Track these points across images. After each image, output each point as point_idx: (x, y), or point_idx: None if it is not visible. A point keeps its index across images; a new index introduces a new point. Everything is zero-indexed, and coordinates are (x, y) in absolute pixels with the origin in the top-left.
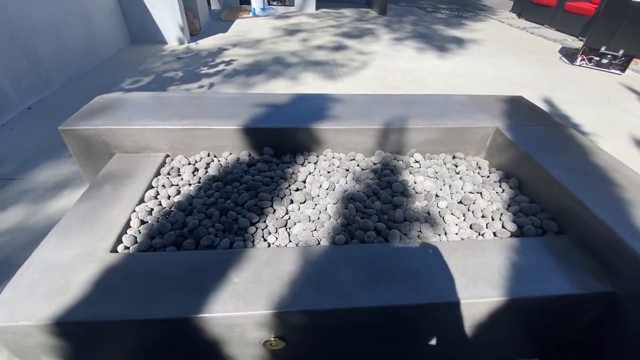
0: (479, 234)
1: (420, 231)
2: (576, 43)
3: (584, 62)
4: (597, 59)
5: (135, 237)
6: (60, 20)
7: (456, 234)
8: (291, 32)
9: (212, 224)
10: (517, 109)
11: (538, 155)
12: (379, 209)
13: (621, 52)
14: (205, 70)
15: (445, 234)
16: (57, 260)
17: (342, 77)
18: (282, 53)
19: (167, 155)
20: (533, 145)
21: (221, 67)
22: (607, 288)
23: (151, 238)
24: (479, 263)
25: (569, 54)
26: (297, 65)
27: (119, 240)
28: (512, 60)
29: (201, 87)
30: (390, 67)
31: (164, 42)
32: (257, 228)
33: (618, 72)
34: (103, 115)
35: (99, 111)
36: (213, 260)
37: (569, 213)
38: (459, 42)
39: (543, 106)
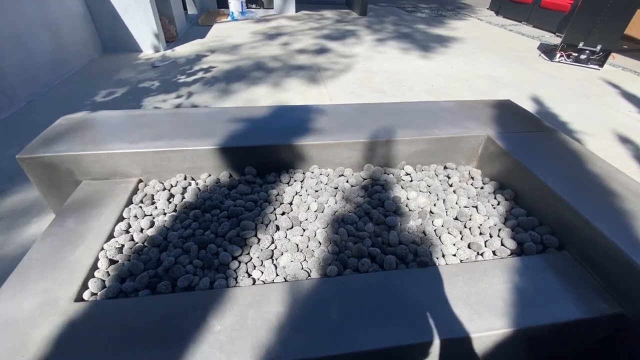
0: (478, 254)
1: (416, 255)
2: (554, 39)
3: (563, 58)
4: (576, 54)
5: (104, 281)
6: (25, 31)
7: (454, 255)
8: (271, 35)
9: (190, 260)
10: (507, 115)
11: (532, 165)
12: (372, 231)
13: (599, 47)
14: (183, 78)
15: (443, 255)
16: (15, 314)
17: (325, 81)
18: (263, 58)
19: (140, 181)
20: (526, 154)
21: (200, 74)
22: (615, 310)
23: (121, 281)
24: (481, 289)
25: (548, 51)
26: (279, 70)
27: (84, 286)
28: (493, 58)
29: (179, 97)
30: (373, 69)
31: (139, 50)
32: (240, 262)
33: (596, 67)
34: (67, 139)
35: (62, 134)
36: (192, 305)
37: (569, 227)
38: (441, 40)
39: (526, 104)
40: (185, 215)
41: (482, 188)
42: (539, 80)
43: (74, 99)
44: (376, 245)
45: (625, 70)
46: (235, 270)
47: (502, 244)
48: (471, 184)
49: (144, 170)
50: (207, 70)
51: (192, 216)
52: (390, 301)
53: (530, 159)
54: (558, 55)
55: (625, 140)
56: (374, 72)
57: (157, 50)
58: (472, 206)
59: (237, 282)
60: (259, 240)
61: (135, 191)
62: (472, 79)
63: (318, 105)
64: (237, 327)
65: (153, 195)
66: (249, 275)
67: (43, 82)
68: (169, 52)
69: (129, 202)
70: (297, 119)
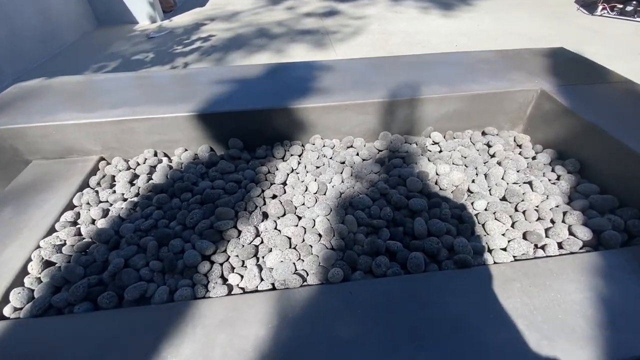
0: (537, 247)
1: (452, 250)
2: None
3: (606, 11)
4: (621, 6)
5: (32, 291)
6: (8, 5)
7: (504, 249)
8: (275, 0)
9: (147, 261)
10: (563, 64)
11: (609, 125)
12: (391, 218)
13: None
14: (179, 49)
15: (490, 251)
16: None
17: (334, 45)
18: (266, 24)
19: (102, 159)
20: (596, 111)
21: (197, 44)
22: None
23: (54, 291)
24: (550, 301)
25: (588, 4)
26: (283, 36)
27: (5, 299)
28: (524, 15)
29: (174, 68)
30: (389, 30)
31: (134, 22)
32: (213, 263)
33: None
34: (13, 109)
35: (9, 105)
36: (141, 326)
37: None
38: None
39: None
40: (147, 201)
41: (534, 158)
42: (579, 36)
43: (63, 74)
44: (397, 237)
45: None
46: (205, 275)
47: (571, 233)
48: (519, 154)
49: (104, 146)
50: (205, 39)
51: (156, 202)
52: (418, 318)
53: (602, 117)
54: (600, 7)
55: None
56: (390, 33)
57: (153, 20)
58: (524, 182)
59: (207, 291)
60: (239, 232)
61: (94, 172)
62: (502, 37)
63: (321, 61)
64: None
65: (114, 177)
66: (225, 280)
67: (31, 58)
68: (166, 23)
69: (84, 185)
70: (295, 78)
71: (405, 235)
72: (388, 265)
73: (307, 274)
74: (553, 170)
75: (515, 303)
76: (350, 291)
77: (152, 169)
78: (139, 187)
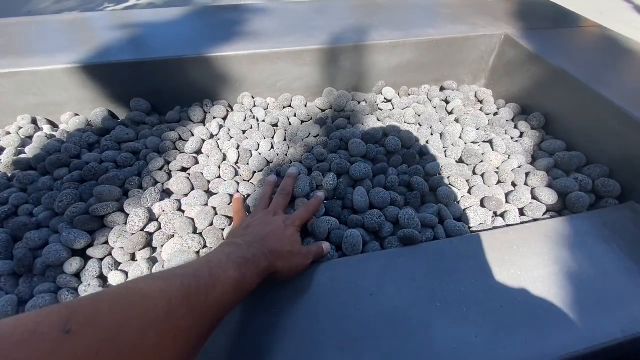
0: (497, 215)
1: (397, 224)
2: None
3: None
4: None
5: None
6: None
7: (459, 219)
8: None
9: None
10: (531, 9)
11: (580, 71)
12: (334, 187)
13: None
14: (111, 6)
15: (442, 222)
16: None
17: None
18: None
19: None
20: (567, 57)
21: (133, 1)
22: None
23: None
24: (509, 279)
25: None
26: None
27: None
28: None
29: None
30: None
31: None
32: (88, 259)
33: None
34: None
35: None
36: None
37: (639, 161)
38: None
39: None
40: (5, 181)
41: (495, 114)
42: None
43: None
44: (334, 213)
45: None
46: (76, 275)
47: (535, 197)
48: (480, 109)
49: None
50: None
51: (18, 182)
52: (349, 316)
53: (573, 63)
54: None
55: None
56: None
57: None
58: (484, 141)
59: (78, 296)
60: (126, 217)
61: None
62: None
63: (255, 4)
64: None
65: None
66: (104, 281)
67: None
68: None
69: None
70: (220, 23)
71: (345, 210)
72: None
73: None
74: (516, 127)
75: (468, 286)
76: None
77: (29, 140)
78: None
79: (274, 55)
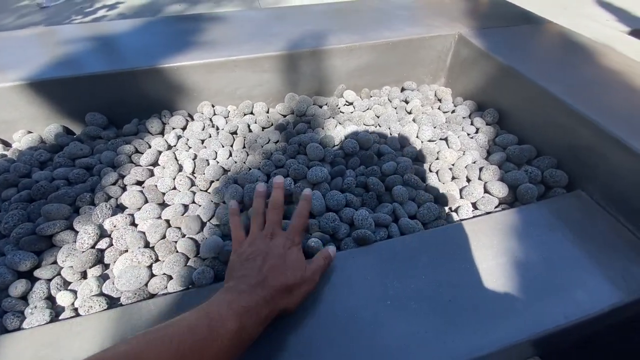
0: (451, 210)
1: (353, 225)
2: None
3: None
4: None
5: None
6: None
7: (414, 217)
8: None
9: None
10: (483, 8)
11: (526, 67)
12: (290, 192)
13: None
14: (78, 19)
15: (397, 220)
16: None
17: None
18: None
19: None
20: (514, 54)
21: (101, 12)
22: None
23: None
24: (458, 273)
25: None
26: (207, 1)
27: None
28: None
29: None
30: None
31: None
32: (33, 282)
33: None
34: None
35: None
36: None
37: (585, 152)
38: None
39: None
40: None
41: (453, 112)
42: None
43: None
44: (290, 217)
45: None
46: (22, 298)
47: (487, 191)
48: (438, 108)
49: None
50: (112, 7)
51: None
52: (306, 316)
53: (521, 60)
54: None
55: None
56: None
57: None
58: (441, 138)
59: (21, 324)
60: (75, 234)
61: None
62: None
63: (213, 13)
64: None
65: None
66: (52, 302)
67: None
68: None
69: None
70: (177, 33)
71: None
72: None
73: (168, 279)
74: (472, 124)
75: (418, 283)
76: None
77: None
78: None
79: (231, 63)
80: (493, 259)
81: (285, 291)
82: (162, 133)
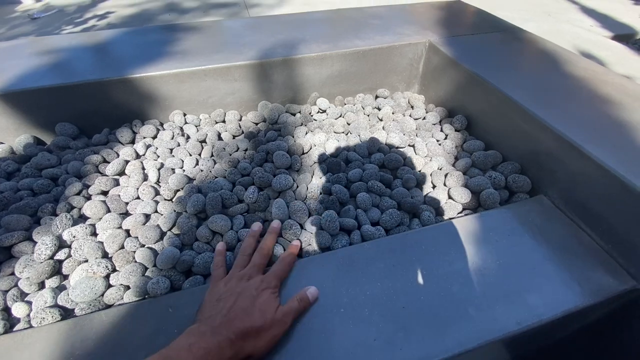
0: (414, 216)
1: (303, 229)
2: None
3: None
4: None
5: None
6: None
7: (377, 223)
8: None
9: None
10: (456, 16)
11: (490, 74)
12: (254, 200)
13: None
14: (68, 29)
15: (359, 227)
16: None
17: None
18: None
19: None
20: (482, 61)
21: (91, 22)
22: (626, 285)
23: None
24: (413, 280)
25: None
26: (196, 10)
27: None
28: None
29: None
30: (312, 1)
31: (16, 2)
32: None
33: None
34: None
35: None
36: None
37: (547, 158)
38: None
39: None
40: None
41: (423, 119)
42: (497, 1)
43: None
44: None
45: None
46: None
47: (450, 197)
48: (410, 115)
49: None
50: (102, 17)
51: None
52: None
53: (487, 67)
54: None
55: (590, 56)
56: (314, 4)
57: None
58: (409, 145)
59: None
60: (34, 245)
61: None
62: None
63: (188, 23)
64: None
65: None
66: (9, 314)
67: None
68: (55, 1)
69: None
70: (149, 44)
71: (266, 222)
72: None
73: (125, 290)
74: (442, 130)
75: (373, 289)
76: (170, 306)
77: None
78: None
79: (201, 73)
80: (450, 265)
81: (252, 334)
82: (132, 142)
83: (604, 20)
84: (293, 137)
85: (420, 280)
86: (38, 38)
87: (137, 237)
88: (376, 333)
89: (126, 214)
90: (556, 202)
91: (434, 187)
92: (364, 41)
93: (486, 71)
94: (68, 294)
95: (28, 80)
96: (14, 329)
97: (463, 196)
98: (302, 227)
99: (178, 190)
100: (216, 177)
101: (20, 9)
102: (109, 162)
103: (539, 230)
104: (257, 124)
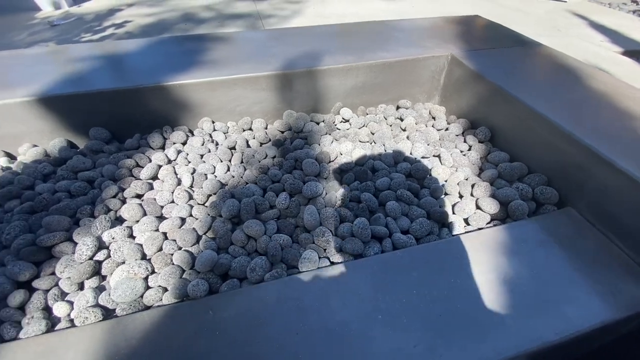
0: (443, 226)
1: (335, 235)
2: None
3: None
4: None
5: None
6: None
7: (406, 232)
8: None
9: None
10: (476, 30)
11: (514, 88)
12: (286, 207)
13: None
14: (87, 36)
15: (390, 235)
16: None
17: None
18: (193, 8)
19: None
20: (505, 75)
21: (110, 31)
22: None
23: None
24: (448, 288)
25: None
26: (212, 20)
27: None
28: None
29: None
30: (325, 13)
31: (36, 9)
32: (31, 292)
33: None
34: None
35: None
36: None
37: (574, 170)
38: None
39: None
40: None
41: (446, 130)
42: (507, 15)
43: None
44: (286, 231)
45: (591, 1)
46: (20, 308)
47: (478, 207)
48: (432, 126)
49: None
50: (120, 25)
51: None
52: (294, 333)
53: (510, 80)
54: None
55: (601, 71)
56: (326, 16)
57: (57, 7)
58: (434, 155)
59: (21, 329)
60: (74, 245)
61: None
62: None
63: (215, 34)
64: None
65: None
66: (49, 312)
67: None
68: (74, 9)
69: None
70: (180, 53)
71: (297, 228)
72: (265, 268)
73: (164, 291)
74: (465, 141)
75: (410, 297)
76: (211, 309)
77: None
78: None
79: (231, 82)
80: (484, 275)
81: None
82: (163, 148)
83: (613, 36)
84: (319, 145)
85: (455, 289)
86: (72, 45)
87: (174, 240)
88: (416, 340)
89: (161, 217)
90: (584, 214)
91: (461, 197)
92: (390, 53)
93: (510, 84)
94: (109, 294)
95: (63, 86)
96: (56, 328)
97: (492, 207)
98: (333, 233)
99: (210, 195)
100: (247, 183)
101: (40, 16)
102: (141, 167)
103: (569, 242)
104: (282, 132)
